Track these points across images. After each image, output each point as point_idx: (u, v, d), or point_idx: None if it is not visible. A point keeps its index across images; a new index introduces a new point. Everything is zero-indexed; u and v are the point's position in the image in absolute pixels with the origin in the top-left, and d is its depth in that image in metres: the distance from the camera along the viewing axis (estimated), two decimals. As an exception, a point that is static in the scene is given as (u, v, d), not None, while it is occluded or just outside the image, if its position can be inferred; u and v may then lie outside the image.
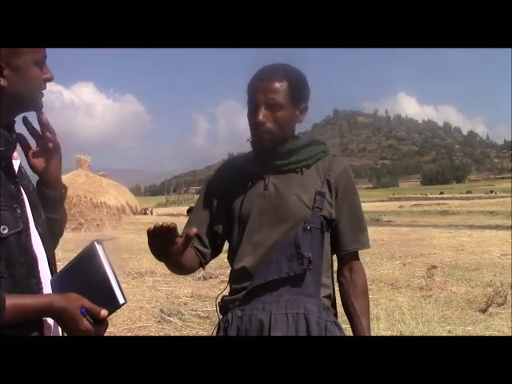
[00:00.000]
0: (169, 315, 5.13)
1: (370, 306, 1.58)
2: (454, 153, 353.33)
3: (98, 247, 1.12)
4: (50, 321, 1.12)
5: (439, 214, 28.90)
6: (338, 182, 1.50)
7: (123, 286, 1.13)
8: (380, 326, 4.60)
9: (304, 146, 1.52)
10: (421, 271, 7.63)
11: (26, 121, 1.22)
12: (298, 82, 1.49)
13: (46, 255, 1.18)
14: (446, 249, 10.51)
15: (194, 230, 1.29)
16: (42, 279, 1.14)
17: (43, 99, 1.17)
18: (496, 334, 4.55)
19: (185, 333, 4.65)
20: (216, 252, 1.59)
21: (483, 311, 5.36)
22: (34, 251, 1.12)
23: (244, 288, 1.47)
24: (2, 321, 0.98)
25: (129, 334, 4.38)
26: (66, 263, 1.17)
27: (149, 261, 8.20)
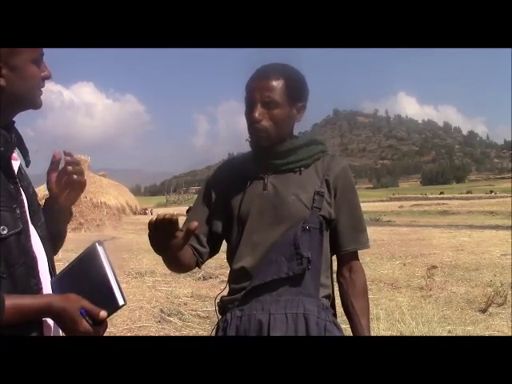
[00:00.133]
0: (169, 315, 5.13)
1: (370, 306, 1.58)
2: (454, 153, 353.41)
3: (99, 248, 1.13)
4: (50, 321, 1.12)
5: (439, 214, 28.89)
6: (337, 181, 1.50)
7: (123, 286, 1.13)
8: (380, 326, 4.60)
9: (303, 145, 1.52)
10: (421, 271, 7.63)
11: (66, 153, 1.25)
12: (296, 80, 1.49)
13: (45, 256, 1.18)
14: (446, 249, 10.50)
15: (195, 224, 1.29)
16: (42, 279, 1.14)
17: (42, 98, 1.17)
18: (496, 334, 4.55)
19: (185, 333, 4.65)
20: (213, 252, 1.59)
21: (483, 311, 5.36)
22: (33, 251, 1.12)
23: (243, 288, 1.47)
24: (2, 321, 0.98)
25: (129, 334, 4.38)
26: (67, 264, 1.17)
27: (149, 261, 8.20)
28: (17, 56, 1.08)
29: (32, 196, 1.20)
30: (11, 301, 1.00)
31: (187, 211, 1.62)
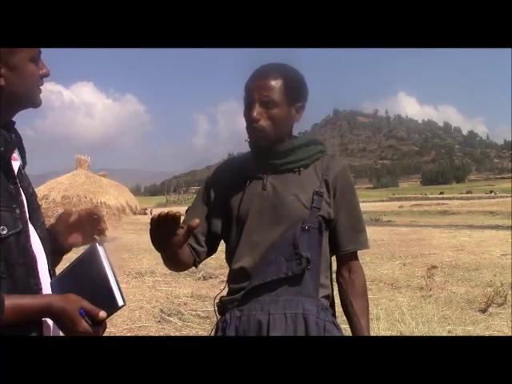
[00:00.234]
0: (169, 315, 5.13)
1: (370, 306, 1.57)
2: (454, 153, 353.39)
3: (100, 248, 1.13)
4: (50, 321, 1.12)
5: (439, 214, 28.89)
6: (336, 181, 1.50)
7: (123, 286, 1.13)
8: (380, 326, 4.59)
9: (302, 145, 1.51)
10: (421, 271, 7.63)
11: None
12: (294, 80, 1.48)
13: (45, 256, 1.18)
14: (446, 249, 10.51)
15: (197, 222, 1.29)
16: (42, 279, 1.14)
17: (42, 98, 1.17)
18: (496, 334, 4.55)
19: (185, 333, 4.65)
20: (211, 252, 1.59)
21: (483, 311, 5.36)
22: (33, 252, 1.12)
23: (242, 288, 1.47)
24: (2, 321, 0.98)
25: (129, 334, 4.38)
26: (67, 264, 1.17)
27: (149, 261, 8.20)
28: (15, 55, 1.08)
29: (31, 196, 1.20)
30: (11, 301, 1.00)
31: (187, 211, 1.61)
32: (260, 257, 1.45)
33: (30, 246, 1.12)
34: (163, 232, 1.30)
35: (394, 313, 5.21)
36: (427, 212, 31.12)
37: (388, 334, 4.46)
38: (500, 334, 4.49)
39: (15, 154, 1.17)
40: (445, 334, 4.49)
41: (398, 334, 4.40)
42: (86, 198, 18.19)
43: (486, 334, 4.55)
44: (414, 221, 23.67)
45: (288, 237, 1.43)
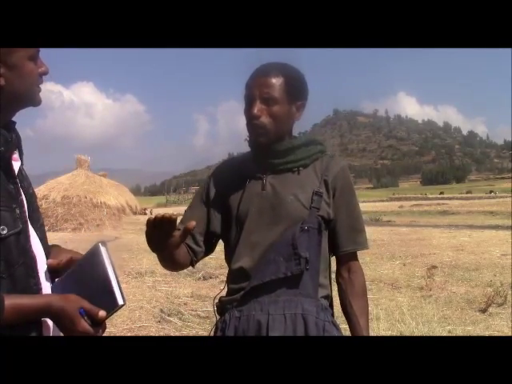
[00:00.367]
0: (169, 315, 5.13)
1: (370, 306, 1.57)
2: (454, 153, 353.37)
3: (102, 248, 1.14)
4: (50, 321, 1.12)
5: (439, 214, 28.87)
6: (336, 182, 1.50)
7: (123, 286, 1.14)
8: (380, 326, 4.59)
9: (301, 145, 1.51)
10: (421, 271, 7.62)
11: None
12: (295, 78, 1.49)
13: (44, 256, 1.18)
14: (446, 249, 10.50)
15: (193, 224, 1.29)
16: (41, 279, 1.14)
17: (42, 98, 1.17)
18: (496, 334, 4.55)
19: (185, 333, 4.65)
20: (208, 251, 1.59)
21: (483, 311, 5.35)
22: (33, 252, 1.12)
23: (242, 288, 1.46)
24: (1, 321, 0.98)
25: (129, 334, 4.37)
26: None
27: (149, 261, 8.19)
28: (14, 54, 1.08)
29: (31, 197, 1.20)
30: (11, 300, 1.00)
31: (185, 211, 1.61)
32: (259, 257, 1.45)
33: (30, 246, 1.12)
34: (159, 234, 1.30)
35: (393, 313, 5.21)
36: (427, 212, 31.11)
37: (388, 334, 4.46)
38: (500, 334, 4.49)
39: (16, 155, 1.17)
40: (445, 334, 4.49)
41: (398, 334, 4.40)
42: (85, 197, 18.20)
43: (486, 333, 4.55)
44: (414, 221, 23.67)
45: (287, 237, 1.43)
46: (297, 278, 1.43)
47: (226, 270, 1.58)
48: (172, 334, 4.54)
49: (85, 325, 1.05)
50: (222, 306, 1.53)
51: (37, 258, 1.13)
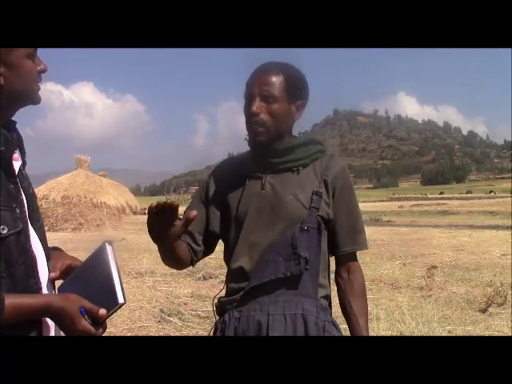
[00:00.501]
0: (169, 315, 5.13)
1: (370, 306, 1.58)
2: (454, 153, 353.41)
3: (108, 247, 1.15)
4: (50, 321, 1.12)
5: (439, 214, 28.87)
6: (335, 182, 1.50)
7: (123, 286, 1.14)
8: (380, 326, 4.59)
9: (301, 144, 1.51)
10: (421, 271, 7.62)
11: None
12: (295, 77, 1.49)
13: (44, 256, 1.18)
14: (446, 249, 10.50)
15: (194, 213, 1.29)
16: (41, 279, 1.14)
17: (42, 98, 1.17)
18: (496, 334, 4.55)
19: (185, 333, 4.65)
20: (208, 251, 1.59)
21: (483, 311, 5.35)
22: (32, 251, 1.12)
23: (241, 288, 1.46)
24: (1, 320, 0.98)
25: (129, 334, 4.37)
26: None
27: (149, 261, 8.20)
28: (12, 53, 1.08)
29: (31, 197, 1.20)
30: (11, 300, 1.00)
31: (185, 211, 1.61)
32: (258, 257, 1.45)
33: (30, 245, 1.12)
34: (160, 222, 1.29)
35: (393, 313, 5.21)
36: (427, 212, 31.11)
37: (388, 334, 4.46)
38: (500, 334, 4.49)
39: (16, 155, 1.16)
40: (445, 334, 4.49)
41: (398, 334, 4.40)
42: (86, 197, 18.20)
43: (486, 334, 4.55)
44: (414, 221, 23.66)
45: (287, 237, 1.43)
46: (296, 278, 1.43)
47: (226, 270, 1.58)
48: (172, 334, 4.54)
49: (85, 324, 1.05)
50: (222, 307, 1.52)
51: (37, 257, 1.13)
